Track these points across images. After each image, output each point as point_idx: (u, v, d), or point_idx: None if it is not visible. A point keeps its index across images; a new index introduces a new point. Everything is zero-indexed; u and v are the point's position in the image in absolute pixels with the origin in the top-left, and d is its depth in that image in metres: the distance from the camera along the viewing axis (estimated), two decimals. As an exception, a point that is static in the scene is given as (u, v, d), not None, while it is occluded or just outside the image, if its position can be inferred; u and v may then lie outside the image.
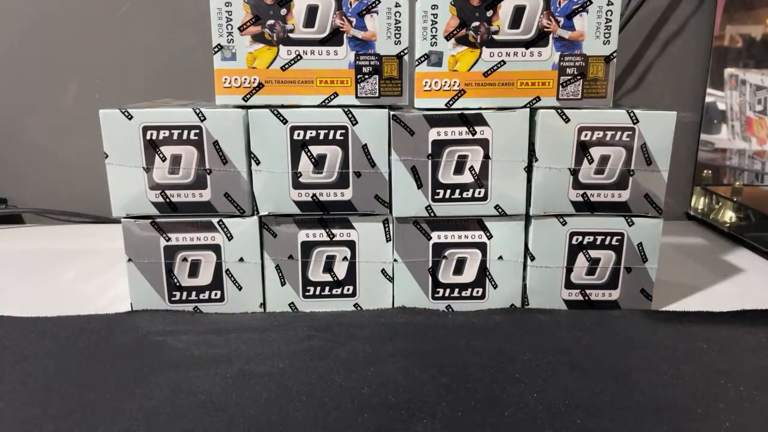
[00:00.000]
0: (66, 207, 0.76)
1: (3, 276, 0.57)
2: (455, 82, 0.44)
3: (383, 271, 0.48)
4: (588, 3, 0.43)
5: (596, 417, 0.34)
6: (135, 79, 0.74)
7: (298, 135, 0.45)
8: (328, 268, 0.48)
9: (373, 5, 0.43)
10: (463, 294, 0.48)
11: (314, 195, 0.46)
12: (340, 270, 0.48)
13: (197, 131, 0.44)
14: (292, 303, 0.48)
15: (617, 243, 0.47)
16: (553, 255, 0.47)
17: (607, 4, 0.43)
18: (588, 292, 0.48)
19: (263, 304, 0.48)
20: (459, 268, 0.48)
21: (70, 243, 0.67)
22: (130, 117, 0.44)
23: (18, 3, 0.71)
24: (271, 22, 0.43)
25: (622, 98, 0.76)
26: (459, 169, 0.45)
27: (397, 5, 0.43)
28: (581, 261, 0.48)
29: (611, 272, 0.48)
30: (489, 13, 0.43)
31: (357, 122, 0.45)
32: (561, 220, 0.47)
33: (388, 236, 0.47)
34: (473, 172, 0.45)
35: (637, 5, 0.69)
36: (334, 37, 0.44)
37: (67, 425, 0.33)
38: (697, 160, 0.76)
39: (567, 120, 0.45)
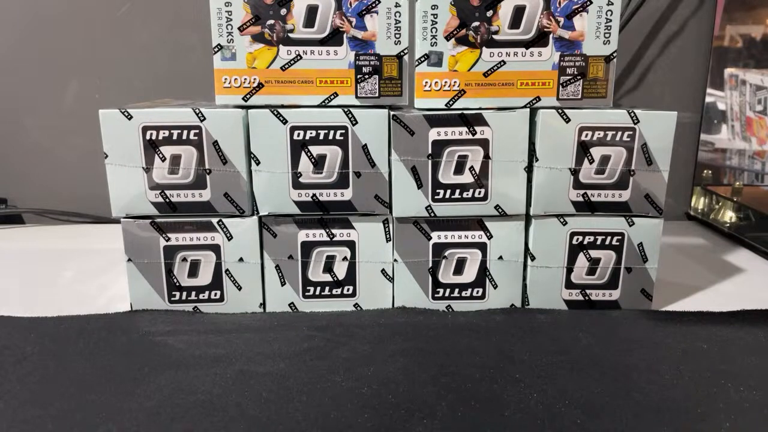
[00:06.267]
0: (66, 207, 0.76)
1: (3, 276, 0.57)
2: (455, 82, 0.44)
3: (383, 271, 0.48)
4: (588, 3, 0.43)
5: (596, 417, 0.34)
6: (135, 79, 0.74)
7: (298, 135, 0.45)
8: (328, 268, 0.48)
9: (373, 5, 0.43)
10: (463, 294, 0.48)
11: (314, 195, 0.46)
12: (340, 270, 0.48)
13: (197, 131, 0.44)
14: (292, 303, 0.48)
15: (617, 243, 0.47)
16: (553, 255, 0.47)
17: (607, 4, 0.43)
18: (588, 292, 0.48)
19: (263, 304, 0.48)
20: (459, 268, 0.48)
21: (70, 243, 0.67)
22: (129, 117, 0.44)
23: (18, 3, 0.71)
24: (271, 22, 0.43)
25: (622, 98, 0.76)
26: (459, 169, 0.45)
27: (397, 5, 0.43)
28: (581, 261, 0.48)
29: (611, 272, 0.48)
30: (489, 13, 0.43)
31: (357, 122, 0.45)
32: (561, 220, 0.47)
33: (388, 236, 0.47)
34: (473, 172, 0.45)
35: (637, 5, 0.69)
36: (334, 37, 0.44)
37: (67, 425, 0.33)
38: (697, 160, 0.76)
39: (567, 120, 0.45)
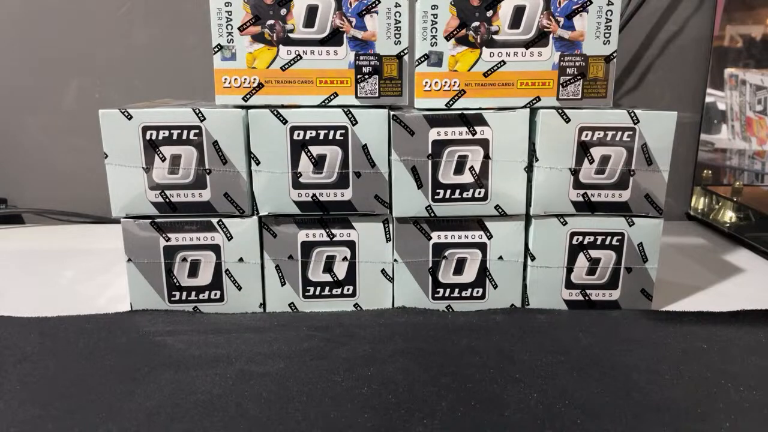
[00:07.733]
0: (66, 207, 0.76)
1: (3, 276, 0.57)
2: (455, 82, 0.44)
3: (383, 271, 0.48)
4: (588, 3, 0.43)
5: (596, 417, 0.34)
6: (135, 79, 0.74)
7: (298, 135, 0.45)
8: (328, 268, 0.48)
9: (373, 5, 0.43)
10: (463, 294, 0.48)
11: (314, 195, 0.46)
12: (340, 270, 0.48)
13: (197, 131, 0.44)
14: (292, 303, 0.48)
15: (617, 243, 0.47)
16: (553, 255, 0.47)
17: (607, 4, 0.43)
18: (588, 292, 0.48)
19: (263, 304, 0.48)
20: (459, 268, 0.48)
21: (70, 243, 0.67)
22: (129, 117, 0.44)
23: (18, 2, 0.71)
24: (271, 22, 0.43)
25: (622, 98, 0.76)
26: (459, 169, 0.45)
27: (397, 5, 0.43)
28: (581, 261, 0.48)
29: (611, 272, 0.48)
30: (489, 13, 0.43)
31: (357, 122, 0.45)
32: (561, 220, 0.47)
33: (388, 236, 0.47)
34: (473, 172, 0.45)
35: (637, 5, 0.69)
36: (334, 37, 0.44)
37: (67, 425, 0.33)
38: (697, 160, 0.76)
39: (567, 120, 0.45)
